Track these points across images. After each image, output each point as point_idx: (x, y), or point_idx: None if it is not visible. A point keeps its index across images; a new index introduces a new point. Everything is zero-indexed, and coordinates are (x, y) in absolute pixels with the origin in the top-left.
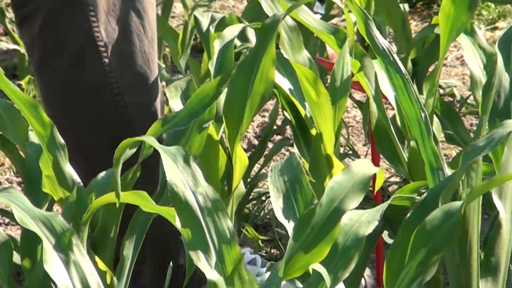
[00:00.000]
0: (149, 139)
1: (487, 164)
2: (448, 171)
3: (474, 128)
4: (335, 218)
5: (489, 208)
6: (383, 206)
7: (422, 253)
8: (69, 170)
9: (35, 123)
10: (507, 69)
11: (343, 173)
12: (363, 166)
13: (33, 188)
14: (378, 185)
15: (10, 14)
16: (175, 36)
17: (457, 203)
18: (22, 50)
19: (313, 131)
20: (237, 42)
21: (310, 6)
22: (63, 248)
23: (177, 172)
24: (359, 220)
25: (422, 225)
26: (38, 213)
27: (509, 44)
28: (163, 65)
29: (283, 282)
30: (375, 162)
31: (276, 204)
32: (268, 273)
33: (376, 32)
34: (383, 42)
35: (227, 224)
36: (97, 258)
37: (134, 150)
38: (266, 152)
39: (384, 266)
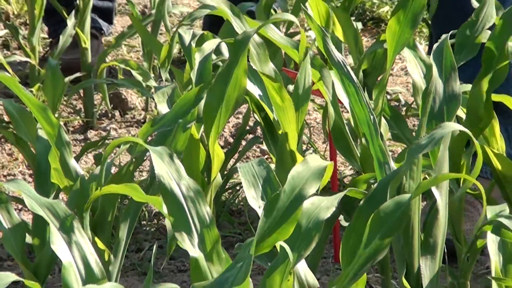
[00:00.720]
0: (139, 140)
1: (425, 159)
2: (393, 165)
3: (416, 128)
4: (297, 202)
5: (428, 196)
6: (340, 195)
7: (377, 236)
8: (73, 163)
9: (44, 124)
10: (441, 78)
11: (301, 165)
12: (316, 160)
13: (43, 179)
14: (328, 175)
15: (23, 31)
16: (159, 51)
17: (406, 196)
18: (33, 62)
19: (280, 131)
20: (213, 56)
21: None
22: (66, 231)
23: (164, 167)
24: (320, 206)
25: (376, 213)
26: (44, 200)
27: (441, 56)
28: (152, 75)
29: None
30: (333, 157)
31: (248, 193)
32: None
33: (332, 47)
34: (338, 55)
35: (207, 210)
36: (96, 239)
37: (126, 146)
38: (240, 149)
39: (340, 245)
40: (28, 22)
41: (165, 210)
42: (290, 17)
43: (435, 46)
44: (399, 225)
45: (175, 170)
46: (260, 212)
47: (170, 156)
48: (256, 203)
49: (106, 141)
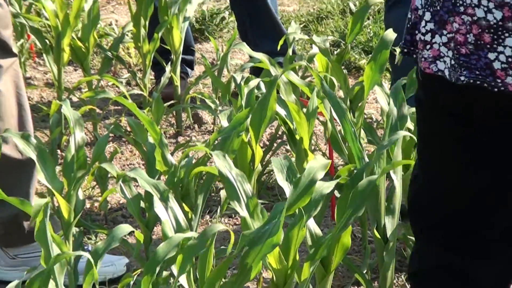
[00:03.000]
0: (202, 147)
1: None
2: (367, 159)
3: (382, 135)
4: (312, 183)
5: (390, 179)
6: (336, 181)
7: (357, 202)
8: (169, 157)
9: (152, 132)
10: (395, 105)
11: (314, 161)
12: (322, 159)
13: (151, 167)
14: (327, 166)
15: (139, 74)
16: (222, 87)
17: (375, 176)
18: (145, 94)
19: (297, 137)
20: (255, 90)
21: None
22: (164, 199)
23: (221, 162)
24: (323, 185)
25: (356, 188)
26: (150, 181)
27: (396, 92)
28: (218, 102)
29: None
30: (330, 154)
31: (278, 176)
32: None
33: (327, 87)
34: (331, 91)
35: (249, 187)
36: (183, 204)
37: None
38: (272, 149)
39: (335, 209)
40: (142, 69)
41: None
42: (304, 63)
43: (392, 87)
44: (370, 195)
45: (228, 164)
46: (285, 187)
47: (223, 155)
48: (283, 183)
49: (190, 144)
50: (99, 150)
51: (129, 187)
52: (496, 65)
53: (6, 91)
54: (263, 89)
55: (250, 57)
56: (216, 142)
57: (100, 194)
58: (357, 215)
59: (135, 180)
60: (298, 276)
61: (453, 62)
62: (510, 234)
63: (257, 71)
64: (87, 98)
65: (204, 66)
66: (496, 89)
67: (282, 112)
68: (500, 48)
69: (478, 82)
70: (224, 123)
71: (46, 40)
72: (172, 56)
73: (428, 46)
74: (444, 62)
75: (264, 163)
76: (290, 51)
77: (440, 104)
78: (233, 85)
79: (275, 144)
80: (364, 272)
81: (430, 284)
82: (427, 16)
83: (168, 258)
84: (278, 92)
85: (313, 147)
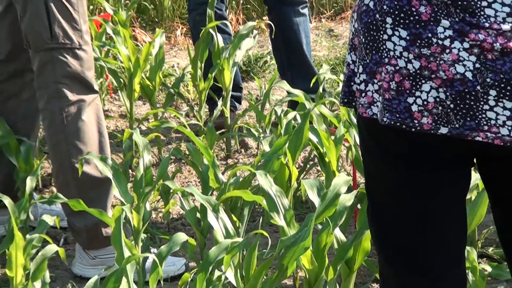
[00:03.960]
0: (248, 167)
1: None
2: None
3: None
4: (336, 196)
5: None
6: (355, 192)
7: None
8: (221, 176)
9: (206, 155)
10: None
11: (338, 178)
12: (345, 176)
13: (205, 184)
14: (349, 182)
15: (196, 107)
16: (264, 118)
17: None
18: (200, 123)
19: (327, 160)
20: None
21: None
22: (215, 211)
23: (263, 180)
24: (346, 198)
25: None
26: (203, 196)
27: None
28: (261, 130)
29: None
30: (354, 173)
31: (309, 192)
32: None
33: (352, 117)
34: (355, 120)
35: (286, 201)
36: (232, 215)
37: (248, 167)
38: (306, 169)
39: (357, 218)
40: (198, 103)
41: (265, 203)
42: (332, 99)
43: None
44: None
45: (269, 181)
46: (315, 201)
47: (265, 174)
48: (314, 197)
49: (237, 165)
50: (162, 170)
51: (188, 200)
52: (414, 108)
53: (89, 122)
54: (299, 120)
55: (288, 93)
56: (260, 163)
57: (163, 206)
58: None
59: (192, 195)
60: (327, 274)
61: (380, 105)
62: (454, 256)
63: (293, 105)
64: (153, 127)
65: (249, 101)
66: (413, 129)
67: (314, 139)
68: (417, 93)
69: (398, 124)
70: (266, 148)
71: (121, 79)
72: (223, 93)
73: (363, 94)
74: (377, 106)
75: (298, 181)
76: (320, 89)
77: (378, 143)
78: (273, 116)
79: (308, 166)
80: None
81: None
82: (360, 69)
83: (219, 259)
84: (311, 123)
85: (339, 168)
